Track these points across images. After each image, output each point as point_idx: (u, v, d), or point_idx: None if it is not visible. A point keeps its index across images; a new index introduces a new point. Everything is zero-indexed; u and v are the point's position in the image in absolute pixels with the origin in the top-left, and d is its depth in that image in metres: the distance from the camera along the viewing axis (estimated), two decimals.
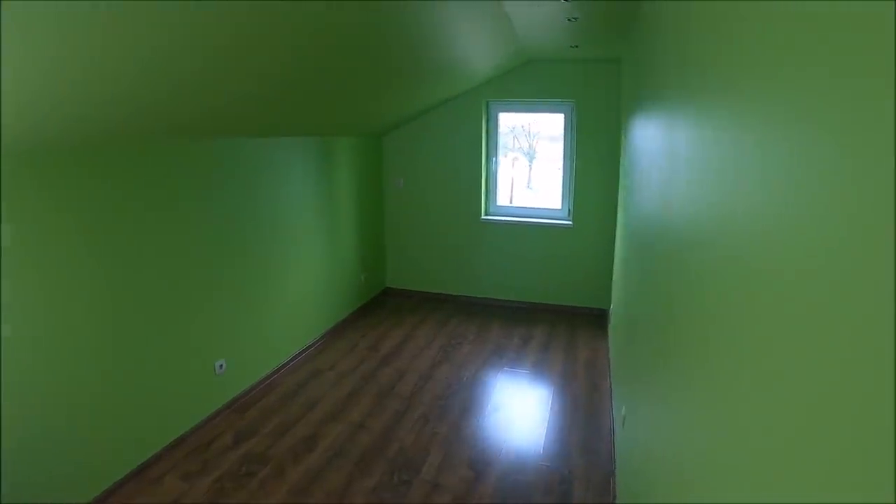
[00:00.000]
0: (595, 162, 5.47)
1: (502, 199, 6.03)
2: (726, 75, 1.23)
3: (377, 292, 6.29)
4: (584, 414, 4.05)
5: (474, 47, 4.22)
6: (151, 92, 2.35)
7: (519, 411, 4.11)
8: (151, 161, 3.16)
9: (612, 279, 5.42)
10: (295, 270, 4.66)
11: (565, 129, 5.65)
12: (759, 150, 0.95)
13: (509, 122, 6.08)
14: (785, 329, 0.80)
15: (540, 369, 4.71)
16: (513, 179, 6.42)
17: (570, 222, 5.64)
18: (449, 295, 6.23)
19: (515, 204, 6.04)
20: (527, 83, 5.50)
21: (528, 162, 6.71)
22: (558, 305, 5.90)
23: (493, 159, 5.85)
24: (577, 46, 4.70)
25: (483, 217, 5.86)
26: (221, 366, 3.85)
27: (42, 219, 2.58)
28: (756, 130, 1.00)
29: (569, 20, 3.58)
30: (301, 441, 3.63)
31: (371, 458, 3.48)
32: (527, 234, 5.78)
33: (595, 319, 5.73)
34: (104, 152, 2.85)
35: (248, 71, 2.60)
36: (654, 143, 2.60)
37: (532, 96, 5.55)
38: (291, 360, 4.67)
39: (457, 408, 4.10)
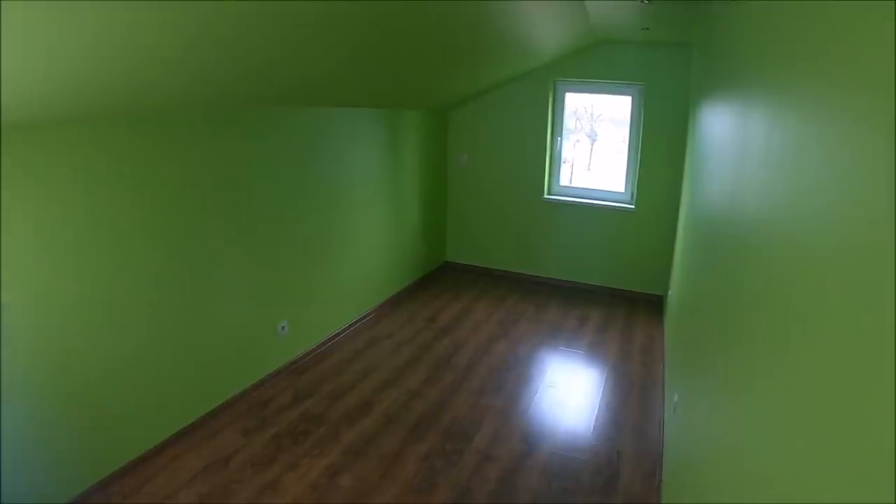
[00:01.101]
0: (660, 146, 5.32)
1: (565, 179, 5.95)
2: (812, 68, 1.18)
3: (436, 266, 6.34)
4: (636, 397, 4.01)
5: (545, 27, 4.14)
6: (234, 63, 2.42)
7: (572, 390, 4.10)
8: (217, 126, 3.27)
9: (671, 266, 5.30)
10: (358, 239, 4.75)
11: (632, 111, 5.50)
12: (847, 148, 0.92)
13: (573, 104, 5.96)
14: (857, 325, 0.78)
15: (595, 350, 4.68)
16: (573, 161, 6.31)
17: (633, 206, 5.53)
18: (508, 272, 6.23)
19: (577, 185, 5.95)
20: (595, 64, 5.37)
21: (590, 144, 6.58)
22: (617, 289, 5.82)
23: (558, 139, 5.77)
24: (648, 29, 4.56)
25: (546, 196, 5.80)
26: (283, 327, 3.98)
27: (118, 183, 2.73)
28: (843, 126, 0.96)
29: (642, 2, 3.47)
30: (357, 405, 3.73)
31: (425, 426, 3.55)
32: (589, 215, 5.69)
33: (652, 305, 5.63)
34: (172, 119, 2.97)
35: (322, 45, 2.64)
36: (727, 131, 2.51)
37: (600, 77, 5.43)
38: (350, 326, 4.78)
39: (511, 382, 4.12)
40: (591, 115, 6.38)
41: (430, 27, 3.07)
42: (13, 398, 2.38)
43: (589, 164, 6.27)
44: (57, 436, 2.60)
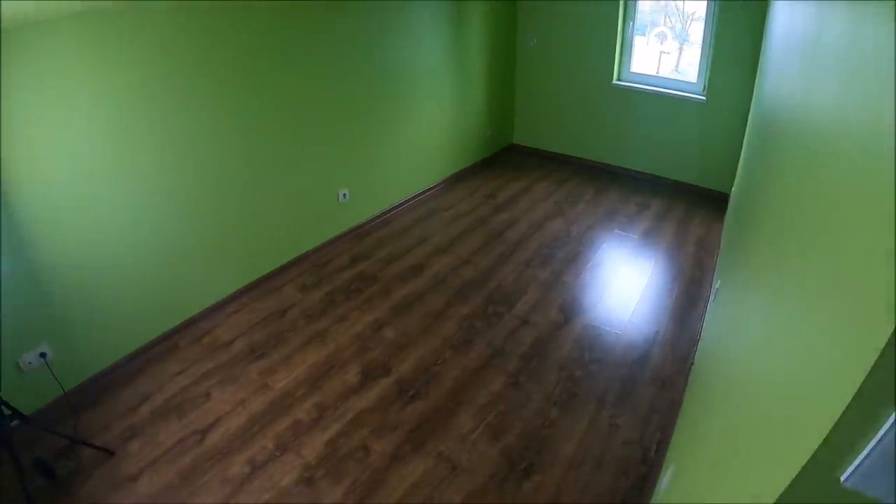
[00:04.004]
0: (736, 37, 4.80)
1: (637, 66, 5.56)
2: None
3: (502, 147, 6.22)
4: (684, 285, 3.92)
5: None
6: None
7: (620, 271, 4.05)
8: (301, 23, 3.26)
9: (738, 162, 4.98)
10: (421, 116, 4.68)
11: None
12: None
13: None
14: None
15: (649, 237, 4.56)
16: (660, 55, 5.79)
17: (704, 98, 5.14)
18: (573, 157, 6.03)
19: (648, 72, 5.54)
20: None
21: (679, 44, 5.99)
22: (681, 182, 5.54)
23: (631, 23, 5.34)
24: None
25: (615, 82, 5.46)
26: (345, 195, 4.07)
27: (182, 53, 2.76)
28: None
29: None
30: (409, 268, 3.84)
31: (470, 290, 3.63)
32: (658, 104, 5.33)
33: (715, 202, 5.34)
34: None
35: None
36: (803, 21, 2.26)
37: None
38: (412, 198, 4.84)
39: (560, 258, 4.11)
40: (683, 13, 5.77)
41: None
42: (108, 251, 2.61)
43: (677, 66, 5.74)
44: (127, 293, 2.87)
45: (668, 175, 5.57)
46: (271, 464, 2.43)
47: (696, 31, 5.36)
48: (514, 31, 5.76)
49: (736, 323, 2.01)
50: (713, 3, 4.97)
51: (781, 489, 0.78)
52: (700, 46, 5.20)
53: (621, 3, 5.22)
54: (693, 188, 5.50)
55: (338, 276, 3.72)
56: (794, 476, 0.75)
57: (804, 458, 0.73)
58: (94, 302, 2.69)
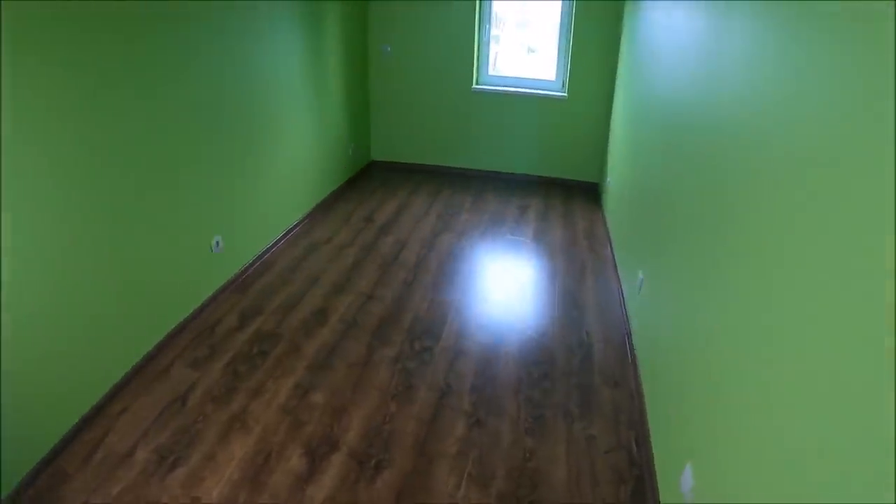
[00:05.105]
0: (593, 33, 4.97)
1: (494, 68, 5.51)
2: None
3: (363, 165, 5.85)
4: (591, 279, 3.88)
5: None
6: None
7: (529, 275, 3.92)
8: (117, 28, 2.57)
9: (605, 153, 5.11)
10: (285, 140, 4.16)
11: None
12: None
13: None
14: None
15: (541, 237, 4.49)
16: (519, 56, 5.74)
17: (565, 94, 5.22)
18: (439, 167, 5.84)
19: (506, 74, 5.52)
20: None
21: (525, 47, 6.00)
22: (551, 178, 5.60)
23: (486, 27, 5.28)
24: None
25: (475, 87, 5.36)
26: (218, 243, 3.45)
27: None
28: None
29: None
30: (311, 315, 3.36)
31: (387, 329, 3.25)
32: (520, 104, 5.33)
33: (588, 192, 5.47)
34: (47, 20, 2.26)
35: None
36: (696, 25, 2.47)
37: None
38: (286, 235, 4.30)
39: (465, 274, 3.87)
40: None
41: None
42: None
43: (534, 63, 5.71)
44: None
45: (538, 172, 5.60)
46: None
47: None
48: (365, 41, 5.43)
49: (691, 311, 2.11)
50: (568, 2, 5.05)
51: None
52: (556, 45, 5.27)
53: (476, 5, 5.12)
54: (563, 182, 5.59)
55: (232, 340, 3.11)
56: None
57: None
58: None
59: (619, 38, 4.81)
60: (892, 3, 0.91)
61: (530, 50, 5.63)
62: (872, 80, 0.95)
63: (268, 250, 4.05)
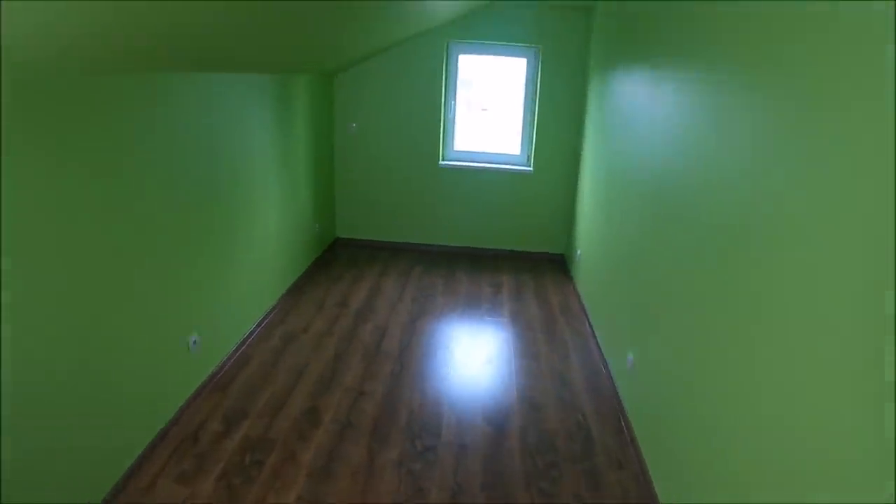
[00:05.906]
0: (557, 109, 5.19)
1: (460, 144, 5.63)
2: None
3: (328, 243, 5.78)
4: (576, 356, 3.92)
5: None
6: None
7: (513, 357, 3.91)
8: (79, 103, 2.48)
9: (573, 225, 5.25)
10: (256, 221, 4.00)
11: (528, 74, 5.29)
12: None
13: (468, 66, 5.56)
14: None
15: (518, 317, 4.51)
16: (484, 131, 5.91)
17: (530, 168, 5.38)
18: (406, 243, 5.84)
19: (472, 149, 5.64)
20: (491, 25, 5.06)
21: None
22: (519, 251, 5.69)
23: (452, 103, 5.41)
24: None
25: (441, 163, 5.45)
26: (195, 341, 3.28)
27: None
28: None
29: None
30: (301, 416, 3.21)
31: (384, 428, 3.14)
32: (486, 179, 5.45)
33: (556, 264, 5.58)
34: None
35: None
36: (684, 106, 2.58)
37: (496, 39, 5.12)
38: (259, 325, 4.14)
39: (451, 361, 3.82)
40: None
41: None
42: None
43: (500, 139, 5.89)
44: None
45: (506, 246, 5.68)
46: None
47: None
48: (332, 118, 5.44)
49: (689, 387, 2.22)
50: (533, 79, 5.24)
51: None
52: (521, 119, 5.44)
53: (442, 81, 5.25)
54: (531, 255, 5.68)
55: (220, 448, 2.92)
56: None
57: None
58: None
59: (584, 113, 5.01)
60: (893, 3, 0.94)
61: (483, 109, 5.75)
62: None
63: (244, 342, 3.89)
